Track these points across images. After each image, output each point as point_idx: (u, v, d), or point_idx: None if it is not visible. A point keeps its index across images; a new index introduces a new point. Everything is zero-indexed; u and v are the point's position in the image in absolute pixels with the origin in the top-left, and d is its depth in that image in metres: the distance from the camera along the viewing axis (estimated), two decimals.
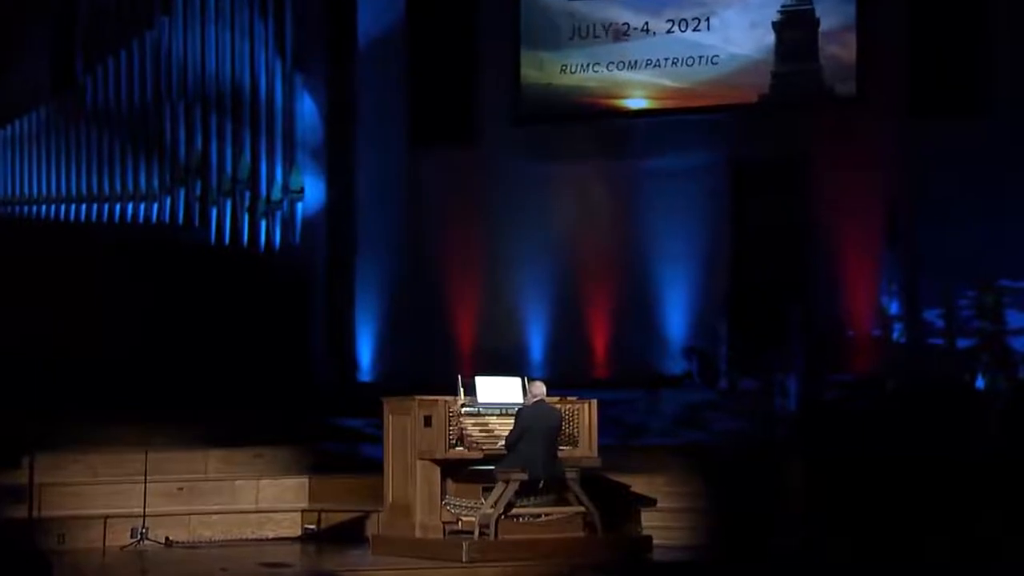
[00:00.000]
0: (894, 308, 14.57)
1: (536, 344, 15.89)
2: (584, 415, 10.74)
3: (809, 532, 10.28)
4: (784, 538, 10.32)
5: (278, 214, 16.10)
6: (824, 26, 15.06)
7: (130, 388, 13.26)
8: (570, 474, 10.33)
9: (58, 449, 11.54)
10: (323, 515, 11.85)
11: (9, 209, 16.03)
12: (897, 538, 10.06)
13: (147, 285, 14.58)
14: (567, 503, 10.38)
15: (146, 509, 11.08)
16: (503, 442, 10.30)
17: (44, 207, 16.06)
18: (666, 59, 15.60)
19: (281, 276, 15.86)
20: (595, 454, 10.68)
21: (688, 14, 15.50)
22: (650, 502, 11.30)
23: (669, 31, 15.54)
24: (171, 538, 11.25)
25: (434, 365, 15.32)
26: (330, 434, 13.89)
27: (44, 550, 9.76)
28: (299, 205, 16.21)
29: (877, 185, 14.67)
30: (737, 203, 15.34)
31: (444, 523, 10.33)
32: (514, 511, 10.17)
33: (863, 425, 12.35)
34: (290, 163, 16.26)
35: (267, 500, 12.07)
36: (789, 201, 15.01)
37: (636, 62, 15.74)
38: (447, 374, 11.12)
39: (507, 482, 10.11)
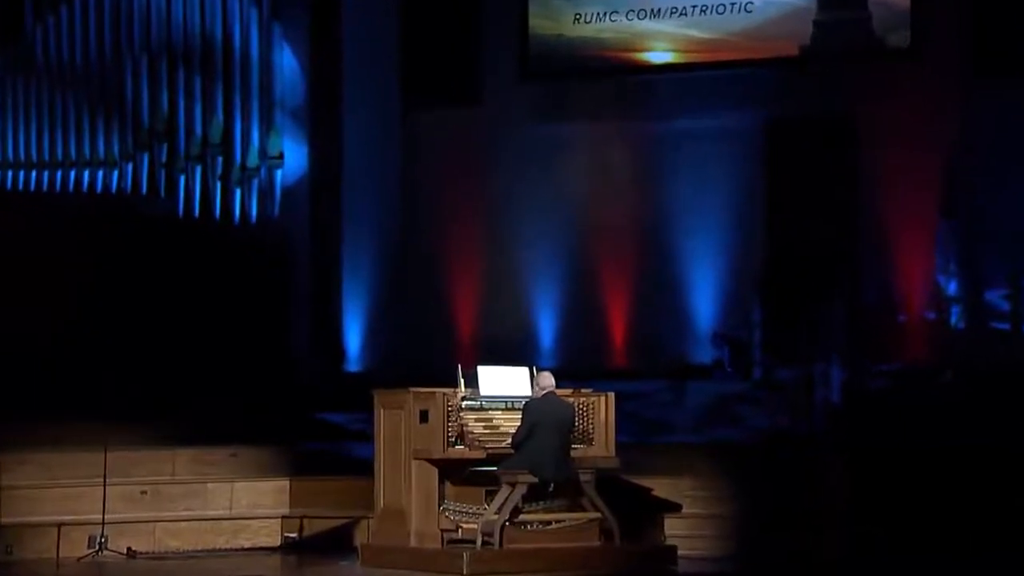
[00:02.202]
0: (952, 288, 14.56)
1: (546, 330, 15.90)
2: (600, 409, 10.76)
3: (854, 540, 10.31)
4: (826, 548, 10.34)
5: (254, 183, 16.12)
6: None
7: (87, 378, 13.29)
8: (584, 476, 10.35)
9: (4, 448, 11.57)
10: (306, 522, 11.90)
11: None
12: (953, 549, 10.08)
13: (106, 263, 14.59)
14: (581, 509, 10.41)
15: (105, 515, 11.11)
16: (508, 440, 10.32)
17: None
18: (694, 6, 15.57)
19: (258, 253, 15.88)
20: (612, 453, 10.71)
21: None
22: (674, 507, 11.33)
23: None
24: (133, 548, 11.28)
25: (431, 353, 15.34)
26: (314, 431, 13.93)
27: None
28: (278, 172, 16.23)
29: (933, 149, 14.64)
30: (774, 170, 15.32)
31: (442, 531, 10.37)
32: (521, 517, 10.20)
33: (915, 420, 12.36)
34: (268, 125, 16.26)
35: (242, 505, 12.11)
36: (833, 167, 14.98)
37: (659, 10, 15.71)
38: (445, 363, 11.14)
39: (513, 485, 10.14)
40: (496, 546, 10.02)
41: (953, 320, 14.51)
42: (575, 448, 10.52)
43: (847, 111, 14.97)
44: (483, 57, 16.27)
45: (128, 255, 14.81)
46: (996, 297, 14.55)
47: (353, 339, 16.50)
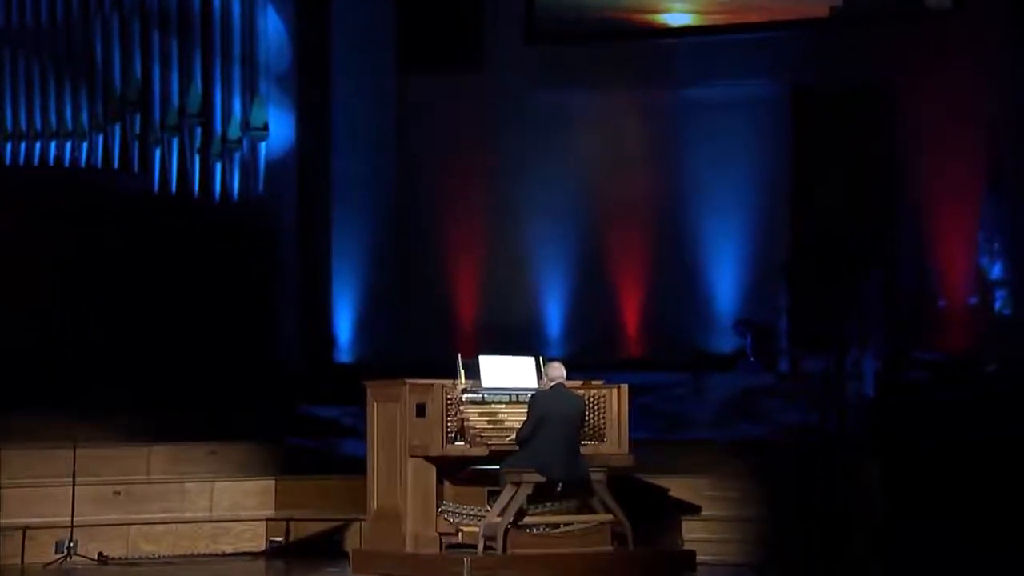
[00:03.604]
0: (996, 271, 14.54)
1: (553, 316, 15.91)
2: (612, 403, 10.78)
3: (888, 545, 10.31)
4: (857, 554, 10.34)
5: (236, 156, 16.10)
6: None
7: (54, 369, 13.30)
8: (595, 475, 10.37)
9: None
10: (292, 525, 11.94)
11: None
12: (998, 550, 10.08)
13: (73, 244, 14.58)
14: (591, 511, 10.42)
15: (74, 518, 11.13)
16: (513, 436, 10.32)
17: None
18: None
19: (241, 233, 15.86)
20: (626, 451, 10.73)
21: None
22: (693, 509, 11.36)
23: None
24: (105, 554, 11.32)
25: (429, 342, 15.36)
26: (301, 426, 13.96)
27: None
28: (262, 145, 16.20)
29: (976, 120, 14.61)
30: (801, 142, 15.31)
31: (441, 535, 10.39)
32: (526, 520, 10.21)
33: (955, 415, 12.35)
34: (251, 93, 16.24)
35: (223, 507, 12.14)
36: (866, 139, 14.97)
37: None
38: (444, 353, 11.15)
39: (518, 485, 10.15)
40: (499, 551, 10.04)
41: (997, 305, 14.49)
42: (585, 445, 10.53)
43: (882, 78, 14.95)
44: (485, 18, 16.25)
45: (98, 235, 14.80)
46: None
47: (344, 326, 16.50)
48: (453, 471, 10.48)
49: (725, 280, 15.41)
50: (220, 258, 15.45)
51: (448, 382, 10.44)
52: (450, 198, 16.25)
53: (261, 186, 16.18)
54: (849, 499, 10.58)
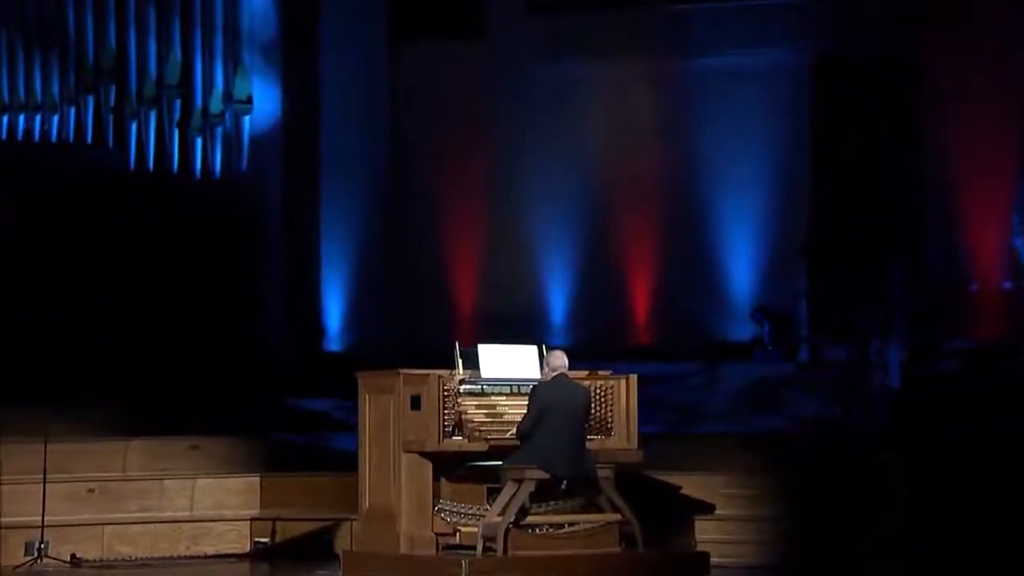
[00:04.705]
0: None
1: (557, 302, 15.93)
2: (620, 395, 10.79)
3: (914, 546, 10.32)
4: (882, 555, 10.36)
5: (219, 131, 16.10)
6: None
7: (23, 359, 13.31)
8: (602, 472, 10.38)
9: None
10: (279, 525, 11.97)
11: None
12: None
13: (44, 223, 14.59)
14: (598, 510, 10.43)
15: (45, 517, 11.14)
16: (514, 430, 10.33)
17: None
18: None
19: (223, 212, 15.89)
20: (635, 446, 10.74)
21: None
22: (707, 508, 11.37)
23: None
24: (78, 555, 11.34)
25: (424, 330, 15.38)
26: (288, 419, 13.99)
27: None
28: (246, 119, 16.20)
29: (1011, 94, 14.62)
30: (824, 117, 15.31)
31: (437, 535, 10.41)
32: (528, 520, 10.22)
33: (988, 407, 12.36)
34: (234, 63, 16.24)
35: (205, 506, 12.17)
36: (892, 112, 14.97)
37: None
38: (441, 341, 11.16)
39: (519, 482, 10.16)
40: (499, 553, 10.04)
41: None
42: (591, 439, 10.54)
43: (909, 46, 14.94)
44: None
45: (70, 216, 14.81)
46: None
47: (334, 313, 16.52)
48: (450, 467, 10.49)
49: (741, 263, 15.42)
50: (201, 240, 15.46)
51: (445, 372, 10.44)
52: (447, 177, 16.25)
53: (245, 163, 16.19)
54: (871, 497, 10.59)
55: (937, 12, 14.93)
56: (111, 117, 15.89)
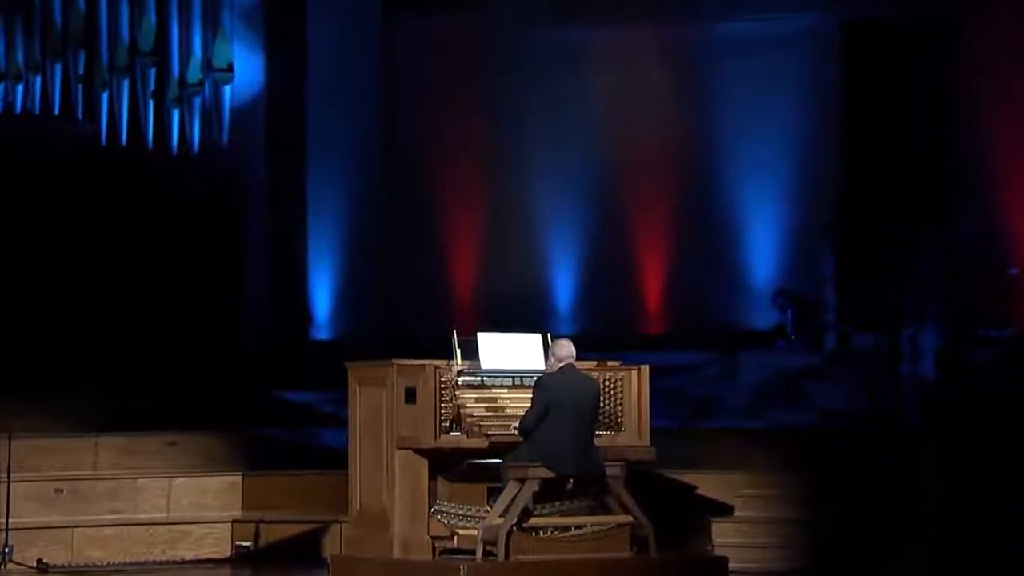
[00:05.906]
0: None
1: (563, 288, 15.95)
2: (631, 387, 10.78)
3: (949, 550, 10.32)
4: (914, 559, 10.36)
5: (197, 102, 16.11)
6: None
7: None
8: (611, 470, 10.37)
9: None
10: (262, 528, 11.96)
11: None
12: None
13: (7, 202, 14.59)
14: (607, 511, 10.43)
15: (9, 519, 11.14)
16: (516, 425, 10.33)
17: None
18: None
19: (202, 189, 15.91)
20: (646, 442, 10.73)
21: None
22: (725, 510, 11.37)
23: None
24: (45, 560, 11.34)
25: (420, 317, 15.40)
26: (272, 413, 14.00)
27: None
28: (227, 89, 16.21)
29: None
30: (852, 87, 15.35)
31: (433, 539, 10.40)
32: (532, 522, 10.22)
33: None
34: (214, 29, 16.23)
35: (183, 507, 12.18)
36: (926, 81, 15.00)
37: None
38: (438, 330, 11.14)
39: (522, 481, 10.15)
40: (501, 557, 10.04)
41: None
42: (600, 435, 10.53)
43: (945, 11, 14.94)
44: None
45: (36, 192, 14.83)
46: None
47: (321, 299, 16.54)
48: (447, 465, 10.48)
49: (762, 245, 15.44)
50: (178, 219, 15.49)
51: (442, 363, 10.42)
52: (443, 151, 16.27)
53: (226, 136, 16.19)
54: (904, 496, 10.59)
55: None
56: (80, 87, 15.90)
